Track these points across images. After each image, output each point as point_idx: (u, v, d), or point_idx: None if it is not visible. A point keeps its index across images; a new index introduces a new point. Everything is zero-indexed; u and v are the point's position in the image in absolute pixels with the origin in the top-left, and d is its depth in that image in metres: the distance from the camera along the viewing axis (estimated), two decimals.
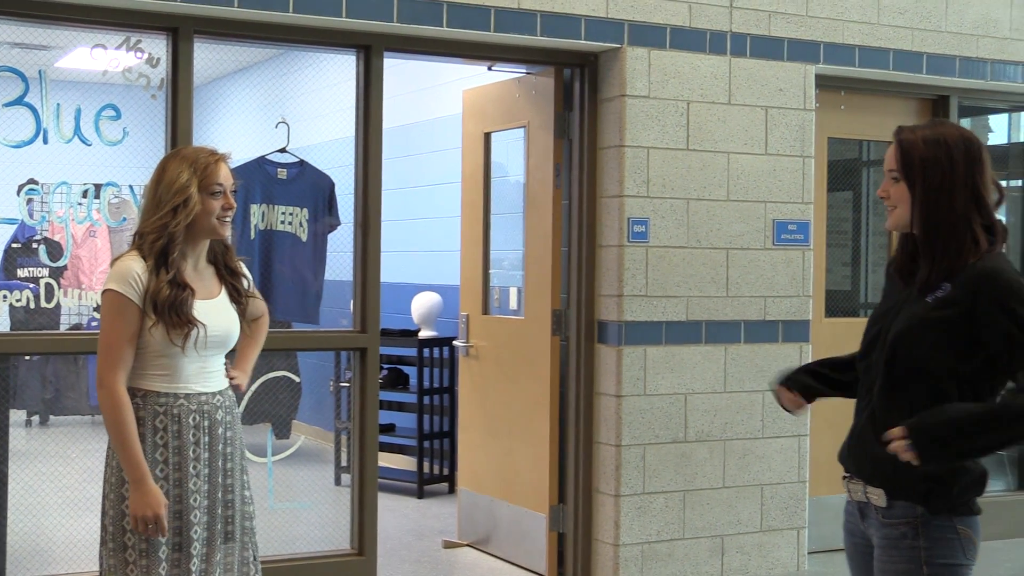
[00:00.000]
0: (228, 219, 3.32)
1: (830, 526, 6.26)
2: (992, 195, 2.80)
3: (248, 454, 5.35)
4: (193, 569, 3.25)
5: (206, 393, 3.32)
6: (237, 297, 3.43)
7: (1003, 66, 6.42)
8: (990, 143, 7.53)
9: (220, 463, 3.33)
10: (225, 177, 3.31)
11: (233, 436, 3.39)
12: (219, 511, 3.33)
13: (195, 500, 3.27)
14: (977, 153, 2.78)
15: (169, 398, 3.26)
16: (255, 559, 3.45)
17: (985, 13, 6.34)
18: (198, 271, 3.35)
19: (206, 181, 3.27)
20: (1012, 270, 2.77)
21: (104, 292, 3.25)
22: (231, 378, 3.46)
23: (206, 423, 3.30)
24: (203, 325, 3.25)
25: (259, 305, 3.66)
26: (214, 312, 3.32)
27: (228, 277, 3.43)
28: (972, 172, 2.76)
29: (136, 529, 3.18)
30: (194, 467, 3.28)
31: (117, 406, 3.19)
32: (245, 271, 3.51)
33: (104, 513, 3.30)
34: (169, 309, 3.20)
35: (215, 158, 3.32)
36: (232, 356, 3.56)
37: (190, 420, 3.28)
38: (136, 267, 3.22)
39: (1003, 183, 7.47)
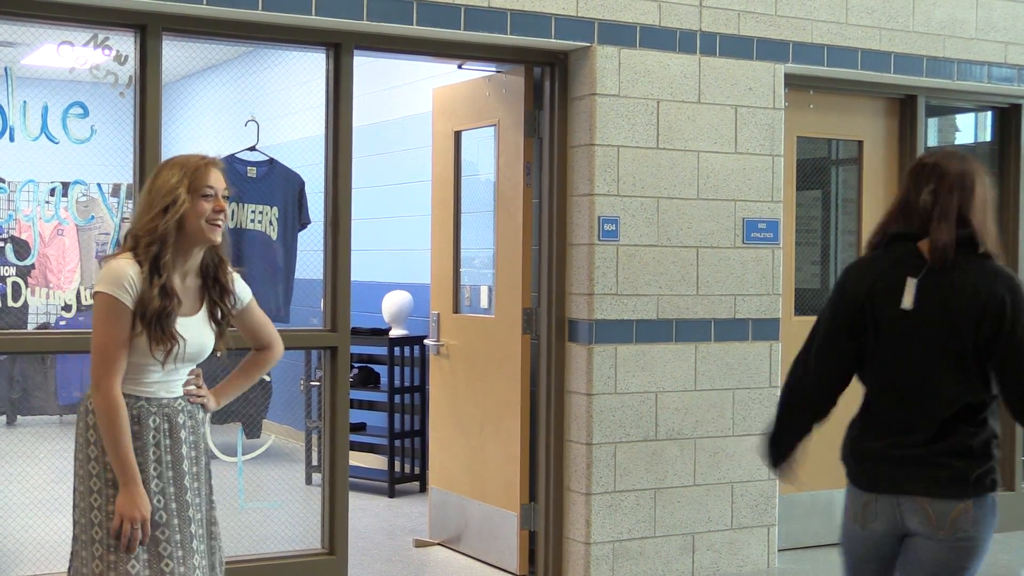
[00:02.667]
0: (219, 222, 3.28)
1: (800, 523, 6.30)
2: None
3: (218, 454, 5.36)
4: (166, 570, 3.24)
5: (169, 397, 3.32)
6: (218, 318, 3.40)
7: (969, 66, 6.48)
8: (957, 142, 7.59)
9: (187, 467, 3.32)
10: (216, 181, 3.30)
11: (197, 440, 3.38)
12: (189, 512, 3.32)
13: (159, 501, 3.27)
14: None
15: (130, 399, 3.26)
16: (221, 563, 3.45)
17: (952, 13, 6.39)
18: (185, 285, 3.33)
19: (196, 183, 3.26)
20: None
21: (97, 294, 3.22)
22: (201, 395, 3.42)
23: (166, 426, 3.30)
24: (184, 340, 3.26)
25: (269, 332, 3.60)
26: (191, 329, 3.31)
27: (213, 294, 3.39)
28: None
29: (120, 529, 3.18)
30: (155, 468, 3.27)
31: (113, 409, 3.18)
32: (235, 288, 3.45)
33: (74, 507, 3.31)
34: (155, 321, 3.19)
35: (206, 161, 3.32)
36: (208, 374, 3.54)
37: (150, 422, 3.27)
38: (131, 271, 3.20)
39: None
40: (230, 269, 3.46)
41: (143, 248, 3.22)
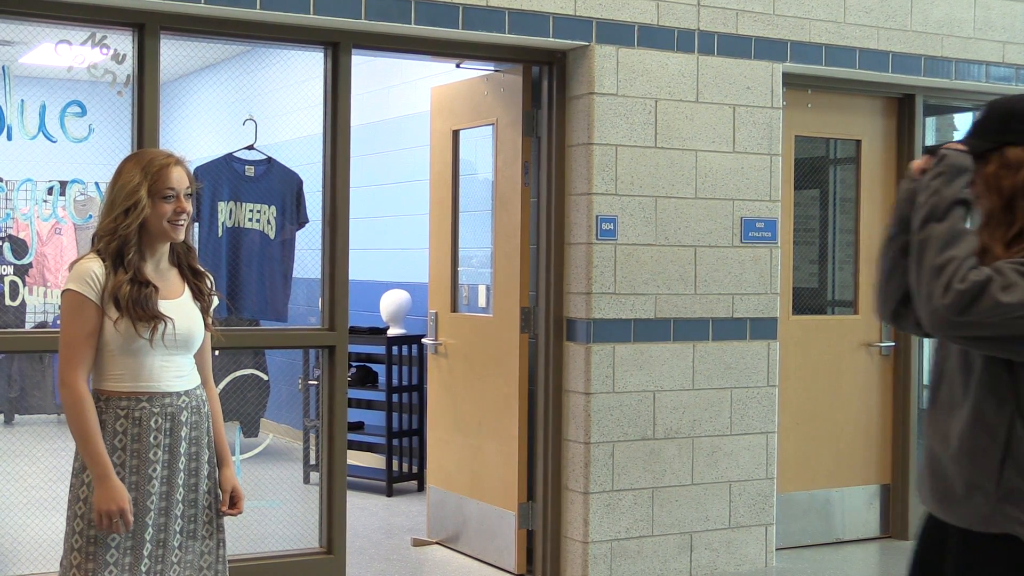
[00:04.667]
0: (180, 223, 3.30)
1: (798, 523, 6.31)
2: None
3: None
4: (144, 570, 3.24)
5: (170, 393, 3.30)
6: (200, 296, 3.42)
7: (967, 65, 6.48)
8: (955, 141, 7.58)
9: (182, 463, 3.32)
10: (178, 181, 3.30)
11: (199, 435, 3.37)
12: (177, 511, 3.31)
13: (151, 502, 3.27)
14: None
15: (131, 401, 3.25)
16: (221, 558, 3.44)
17: (949, 12, 6.39)
18: (160, 271, 3.35)
19: (157, 185, 3.27)
20: None
21: (63, 293, 3.26)
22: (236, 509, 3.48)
23: (167, 425, 3.29)
24: (170, 319, 3.26)
25: (206, 364, 3.54)
26: (178, 311, 3.32)
27: (192, 277, 3.43)
28: None
29: (101, 525, 3.18)
30: (153, 469, 3.27)
31: (79, 403, 3.19)
32: (209, 273, 3.51)
33: (68, 500, 3.32)
34: (133, 304, 3.21)
35: (168, 161, 3.32)
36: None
37: (151, 423, 3.26)
38: (94, 266, 3.24)
39: None
40: (203, 269, 3.49)
41: (104, 246, 3.26)
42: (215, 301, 3.50)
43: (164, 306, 3.28)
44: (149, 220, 3.26)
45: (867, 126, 6.55)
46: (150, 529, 3.26)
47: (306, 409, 7.86)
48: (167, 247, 3.37)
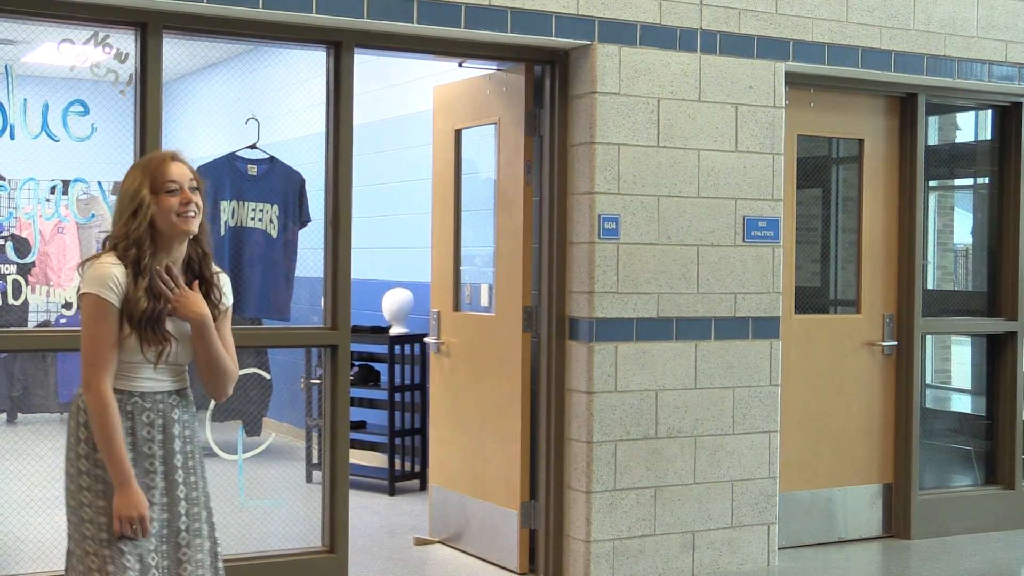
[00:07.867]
0: (190, 214, 3.28)
1: (800, 522, 6.31)
2: None
3: (219, 451, 5.37)
4: (152, 563, 3.25)
5: (162, 392, 3.32)
6: (210, 304, 3.40)
7: (970, 64, 6.47)
8: (957, 141, 7.59)
9: (179, 461, 3.33)
10: (179, 175, 3.30)
11: (192, 435, 3.39)
12: (181, 508, 3.33)
13: (153, 496, 3.28)
14: None
15: (124, 396, 3.27)
16: (218, 555, 3.46)
17: (952, 12, 6.39)
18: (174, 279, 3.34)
19: (157, 181, 3.27)
20: None
21: (83, 296, 3.24)
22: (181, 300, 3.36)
23: (160, 422, 3.30)
24: (176, 340, 3.26)
25: (228, 352, 3.45)
26: (183, 327, 3.32)
27: (200, 289, 3.39)
28: None
29: (120, 530, 3.19)
30: (150, 463, 3.28)
31: (104, 409, 3.20)
32: (220, 283, 3.45)
33: (66, 505, 3.32)
34: (145, 323, 3.21)
35: (165, 157, 3.33)
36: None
37: (144, 418, 3.28)
38: (115, 271, 3.22)
39: (970, 181, 7.57)
40: (216, 268, 3.46)
41: (121, 252, 3.25)
42: (224, 306, 3.47)
43: (171, 323, 3.28)
44: (156, 217, 3.26)
45: (869, 125, 6.55)
46: (155, 523, 3.27)
47: (308, 408, 7.86)
48: (183, 249, 3.35)
